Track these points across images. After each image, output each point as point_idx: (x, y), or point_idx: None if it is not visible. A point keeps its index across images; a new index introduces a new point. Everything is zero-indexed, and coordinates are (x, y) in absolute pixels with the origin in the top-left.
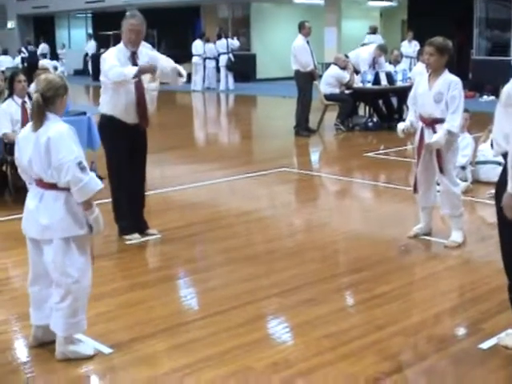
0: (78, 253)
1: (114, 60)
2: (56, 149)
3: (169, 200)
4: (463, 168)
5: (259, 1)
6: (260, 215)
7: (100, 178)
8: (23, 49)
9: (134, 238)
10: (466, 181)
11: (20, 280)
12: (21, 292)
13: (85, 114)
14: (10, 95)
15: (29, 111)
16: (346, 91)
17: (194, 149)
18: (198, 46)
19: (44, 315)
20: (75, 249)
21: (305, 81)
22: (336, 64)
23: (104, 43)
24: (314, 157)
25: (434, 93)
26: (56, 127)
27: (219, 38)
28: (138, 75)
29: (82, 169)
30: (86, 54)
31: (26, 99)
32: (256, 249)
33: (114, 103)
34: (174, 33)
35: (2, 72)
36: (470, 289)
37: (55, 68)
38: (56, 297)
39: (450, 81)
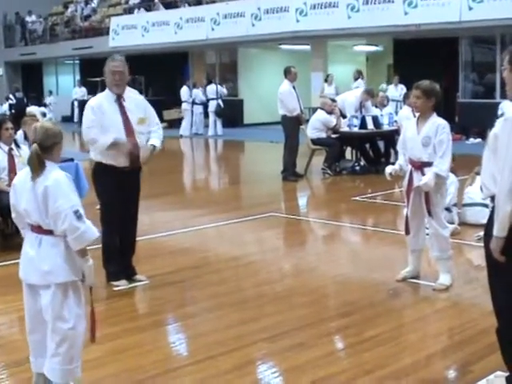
0: (75, 299)
1: (91, 119)
2: (53, 197)
3: (158, 246)
4: (448, 210)
5: (246, 46)
6: (249, 260)
7: None
8: (11, 95)
9: (122, 285)
10: (452, 223)
11: (6, 327)
12: (7, 340)
13: (72, 160)
14: None
15: (16, 159)
16: (333, 135)
17: (183, 194)
18: (184, 91)
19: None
20: (72, 295)
21: (291, 125)
22: (322, 108)
23: (92, 89)
24: (302, 201)
25: (422, 137)
26: (53, 175)
27: (209, 83)
28: (112, 146)
29: (79, 217)
30: (74, 101)
31: (13, 146)
32: (245, 294)
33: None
34: (161, 79)
35: None
36: (459, 331)
37: (43, 114)
38: (52, 343)
39: (437, 124)
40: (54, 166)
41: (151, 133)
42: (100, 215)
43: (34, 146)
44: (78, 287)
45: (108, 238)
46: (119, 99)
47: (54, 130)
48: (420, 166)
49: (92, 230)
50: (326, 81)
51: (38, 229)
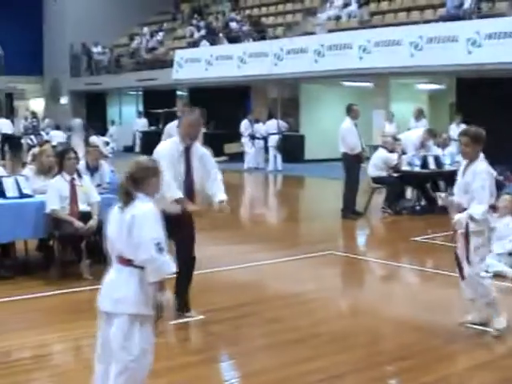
0: (142, 332)
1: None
2: (138, 227)
3: (213, 280)
4: (510, 254)
5: (308, 82)
6: (306, 298)
7: None
8: None
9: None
10: None
11: (62, 356)
12: (63, 369)
13: None
14: (60, 171)
15: (77, 188)
16: (394, 174)
17: (241, 229)
18: (245, 125)
19: None
20: (139, 327)
21: (352, 163)
22: (384, 147)
23: (154, 121)
24: (361, 240)
25: (463, 183)
26: (142, 206)
27: (270, 118)
28: (178, 202)
29: (160, 250)
30: (136, 131)
31: (75, 176)
32: (300, 333)
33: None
34: (223, 112)
35: (54, 147)
36: None
37: (106, 144)
38: (114, 370)
39: (475, 171)
40: (145, 198)
41: (212, 181)
42: None
43: (123, 176)
44: (147, 321)
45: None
46: (187, 151)
47: (145, 164)
48: (462, 211)
49: (170, 264)
50: (386, 119)
51: (119, 259)
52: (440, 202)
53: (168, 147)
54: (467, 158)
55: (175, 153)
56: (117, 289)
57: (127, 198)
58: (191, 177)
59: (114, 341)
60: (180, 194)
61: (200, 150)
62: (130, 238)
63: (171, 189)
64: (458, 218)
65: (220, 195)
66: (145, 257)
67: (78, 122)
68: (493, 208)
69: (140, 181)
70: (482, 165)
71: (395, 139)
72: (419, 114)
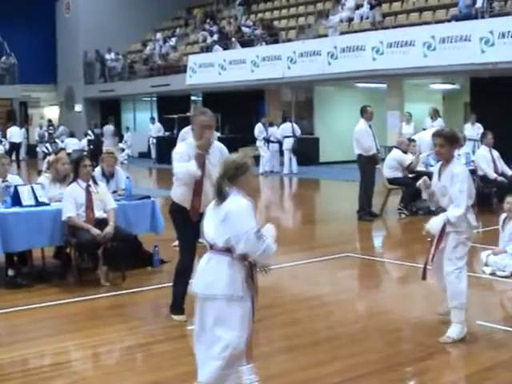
0: (233, 311)
1: (180, 160)
2: (235, 220)
3: None
4: None
5: (322, 85)
6: (323, 301)
7: (163, 261)
8: (89, 131)
9: (180, 319)
10: None
11: (81, 363)
12: (81, 375)
13: (149, 197)
14: (75, 179)
15: (93, 195)
16: (410, 175)
17: None
18: (259, 129)
19: None
20: (231, 307)
21: (367, 165)
22: (398, 147)
23: (169, 126)
24: (378, 242)
25: (440, 186)
26: (236, 201)
27: (284, 121)
28: (199, 165)
29: (259, 237)
30: (150, 137)
31: (91, 183)
32: (318, 335)
33: (182, 193)
34: (237, 116)
35: (69, 154)
36: None
37: (122, 150)
38: (217, 348)
39: (452, 174)
40: (239, 193)
41: None
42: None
43: (218, 175)
44: (237, 302)
45: (185, 276)
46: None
47: (238, 162)
48: (440, 210)
49: (270, 246)
50: (403, 119)
51: (211, 247)
52: (418, 184)
53: (185, 147)
54: (442, 159)
55: (191, 152)
56: (208, 273)
57: (222, 194)
58: (202, 178)
59: (210, 321)
60: (192, 163)
61: (217, 149)
62: (225, 231)
63: (188, 169)
64: (433, 221)
65: None
66: (247, 249)
67: (109, 128)
68: (472, 207)
69: (233, 178)
70: (458, 167)
71: (410, 140)
72: (435, 114)
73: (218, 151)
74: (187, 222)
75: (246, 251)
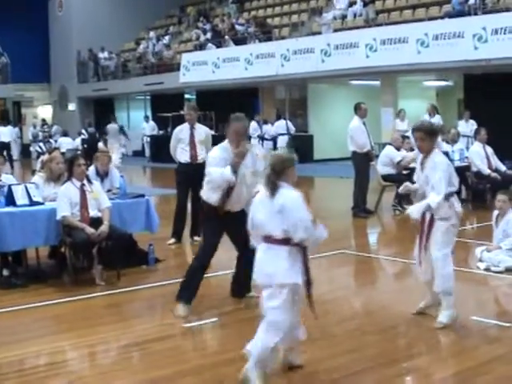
0: (287, 300)
1: (215, 165)
2: (292, 211)
3: (228, 282)
4: None
5: (316, 82)
6: (319, 298)
7: (158, 260)
8: (83, 131)
9: (182, 311)
10: None
11: (77, 363)
12: (78, 375)
13: (143, 196)
14: (69, 178)
15: (88, 194)
16: (404, 171)
17: None
18: (253, 127)
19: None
20: (287, 296)
21: (362, 162)
22: (391, 144)
23: (163, 125)
24: (373, 238)
25: (423, 176)
26: (289, 194)
27: (278, 118)
28: (235, 171)
29: (314, 225)
30: (144, 136)
31: (85, 182)
32: (315, 332)
33: (220, 198)
34: (231, 114)
35: (62, 154)
36: None
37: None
38: (263, 326)
39: (434, 163)
40: (289, 186)
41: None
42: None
43: (268, 169)
44: (296, 289)
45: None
46: None
47: (284, 157)
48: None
49: (322, 233)
50: (397, 116)
51: (267, 238)
52: (400, 190)
53: (220, 152)
54: (423, 152)
55: (227, 156)
56: (267, 264)
57: (273, 188)
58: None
59: (266, 306)
60: (228, 169)
61: (253, 154)
62: (280, 223)
63: (223, 175)
64: (414, 207)
65: (258, 188)
66: (305, 235)
67: (113, 126)
68: (457, 193)
69: (281, 172)
70: (439, 156)
71: (404, 137)
72: (433, 111)
73: (250, 153)
74: (219, 226)
75: (304, 238)
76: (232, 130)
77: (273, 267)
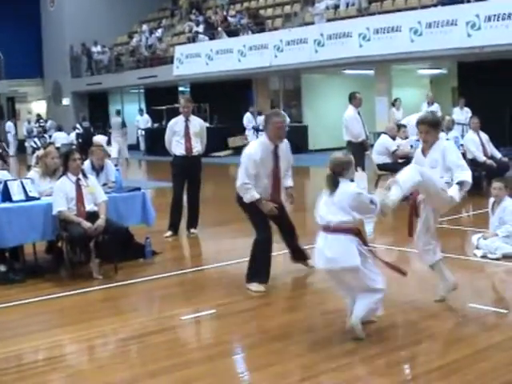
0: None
1: (252, 168)
2: (352, 200)
3: (224, 274)
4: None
5: (310, 72)
6: (316, 288)
7: (155, 253)
8: (78, 125)
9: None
10: None
11: (75, 357)
12: (76, 369)
13: (139, 189)
14: (65, 173)
15: (83, 189)
16: (399, 160)
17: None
18: (247, 118)
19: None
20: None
21: (357, 151)
22: (387, 133)
23: (157, 118)
24: (368, 228)
25: (429, 160)
26: (346, 188)
27: (272, 109)
28: (257, 203)
29: (372, 202)
30: (138, 129)
31: (81, 176)
32: (313, 322)
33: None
34: (226, 106)
35: (57, 148)
36: None
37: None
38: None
39: (443, 148)
40: (347, 182)
41: (287, 170)
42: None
43: (329, 170)
44: (353, 271)
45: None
46: (275, 150)
47: (341, 160)
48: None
49: (379, 205)
50: (393, 105)
51: (326, 228)
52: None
53: (259, 148)
54: (428, 145)
55: (265, 151)
56: (327, 250)
57: (333, 186)
58: (279, 174)
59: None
60: (257, 196)
61: (285, 146)
62: (339, 212)
63: (249, 191)
64: (453, 193)
65: (288, 182)
66: (368, 213)
67: (117, 120)
68: None
69: (341, 172)
70: (445, 141)
71: (399, 126)
72: (432, 99)
73: (285, 146)
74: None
75: (367, 215)
76: (273, 126)
77: (332, 253)
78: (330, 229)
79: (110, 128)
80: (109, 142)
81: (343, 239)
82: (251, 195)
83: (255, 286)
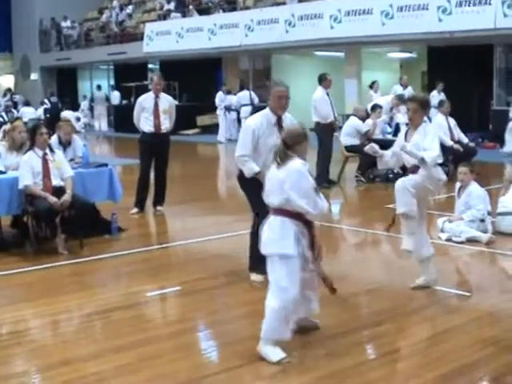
0: (286, 268)
1: (249, 142)
2: (296, 179)
3: (191, 252)
4: (482, 220)
5: (280, 53)
6: None
7: (121, 229)
8: (46, 100)
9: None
10: (486, 232)
11: (39, 332)
12: (39, 343)
13: (106, 165)
14: (32, 147)
15: (50, 163)
16: (367, 142)
17: (217, 200)
18: (219, 97)
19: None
20: (282, 264)
21: (325, 132)
22: (355, 115)
23: (126, 94)
24: (335, 208)
25: (412, 144)
26: (293, 164)
27: (241, 89)
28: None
29: (317, 192)
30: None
31: (47, 151)
32: None
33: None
34: (195, 84)
35: (25, 123)
36: (493, 341)
37: (78, 119)
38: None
39: (425, 130)
40: (296, 158)
41: None
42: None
43: (280, 142)
44: (290, 260)
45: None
46: (279, 121)
47: (296, 132)
48: (412, 169)
49: (324, 204)
50: (371, 88)
51: (271, 210)
52: (366, 149)
53: (259, 120)
54: (413, 125)
55: (266, 123)
56: (265, 233)
57: (283, 159)
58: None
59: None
60: (256, 168)
61: (288, 119)
62: (281, 192)
63: (246, 164)
64: (408, 148)
65: None
66: (305, 203)
67: (101, 93)
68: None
69: (292, 146)
70: (429, 126)
71: (375, 107)
72: (406, 82)
73: (289, 120)
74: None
75: (303, 206)
76: (275, 96)
77: (265, 236)
78: (273, 211)
79: (93, 102)
80: (78, 119)
81: (279, 221)
82: (250, 168)
83: (254, 276)
